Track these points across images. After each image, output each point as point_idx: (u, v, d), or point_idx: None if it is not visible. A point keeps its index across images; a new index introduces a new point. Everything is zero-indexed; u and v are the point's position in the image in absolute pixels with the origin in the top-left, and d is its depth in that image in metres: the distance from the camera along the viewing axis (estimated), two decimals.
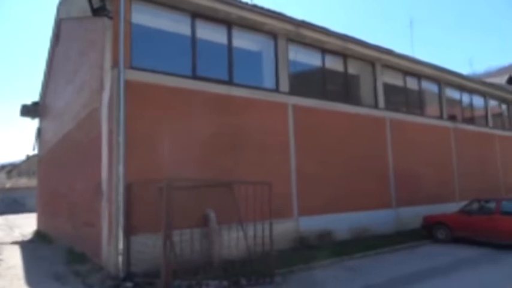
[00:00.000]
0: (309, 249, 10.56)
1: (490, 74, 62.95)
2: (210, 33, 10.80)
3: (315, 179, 11.90)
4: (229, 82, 10.59)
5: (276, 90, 11.66)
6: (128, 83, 8.61)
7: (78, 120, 11.88)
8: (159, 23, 10.02)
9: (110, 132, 8.63)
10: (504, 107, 23.59)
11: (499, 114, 23.21)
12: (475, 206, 12.49)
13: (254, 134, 10.73)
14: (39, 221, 20.09)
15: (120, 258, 8.00)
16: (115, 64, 8.60)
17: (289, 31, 11.88)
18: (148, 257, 7.86)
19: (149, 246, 7.86)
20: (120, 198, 8.14)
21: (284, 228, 10.75)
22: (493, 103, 22.38)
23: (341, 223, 12.31)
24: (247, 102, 10.75)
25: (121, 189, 8.16)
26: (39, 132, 20.93)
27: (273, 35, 11.85)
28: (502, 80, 30.97)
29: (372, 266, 9.34)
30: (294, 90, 12.00)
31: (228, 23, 10.84)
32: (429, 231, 12.88)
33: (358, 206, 13.00)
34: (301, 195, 11.49)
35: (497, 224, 11.23)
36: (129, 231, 8.15)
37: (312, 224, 11.56)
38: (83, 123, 11.32)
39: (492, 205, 11.84)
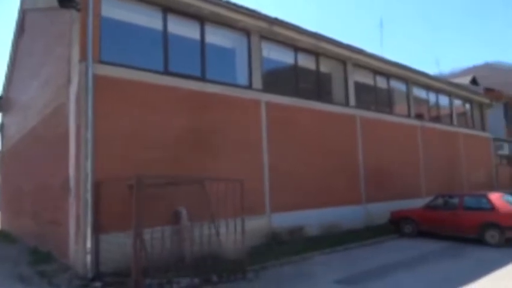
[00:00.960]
0: (281, 245, 10.67)
1: (455, 74, 65.48)
2: (183, 29, 10.67)
3: (287, 176, 12.01)
4: (202, 78, 10.50)
5: (249, 87, 11.67)
6: (96, 78, 8.37)
7: (44, 115, 11.45)
8: (129, 16, 9.78)
9: (78, 128, 8.37)
10: (468, 106, 24.63)
11: (463, 113, 24.23)
12: (440, 201, 13.01)
13: (227, 131, 10.70)
14: (2, 219, 19.25)
15: (89, 258, 7.79)
16: (83, 58, 8.33)
17: (263, 28, 11.90)
18: (118, 255, 7.70)
19: (119, 245, 7.69)
20: (88, 195, 7.92)
21: (256, 225, 10.80)
22: (457, 102, 23.32)
23: (312, 219, 12.51)
24: (220, 99, 10.69)
25: (89, 187, 7.94)
26: (2, 128, 20.04)
27: (246, 32, 11.84)
28: (467, 80, 32.32)
29: (341, 260, 9.56)
30: (267, 88, 12.05)
31: (201, 19, 10.73)
32: (396, 226, 13.31)
33: (329, 202, 13.24)
34: (274, 192, 11.58)
35: (460, 218, 11.75)
36: (97, 230, 7.95)
37: (284, 220, 11.68)
38: (49, 118, 10.92)
39: (455, 200, 12.37)
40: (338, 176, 13.78)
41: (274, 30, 12.13)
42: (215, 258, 8.11)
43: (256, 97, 11.66)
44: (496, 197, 11.58)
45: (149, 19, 10.04)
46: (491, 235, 11.02)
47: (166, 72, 9.76)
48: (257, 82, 11.83)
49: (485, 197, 11.73)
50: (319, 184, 12.99)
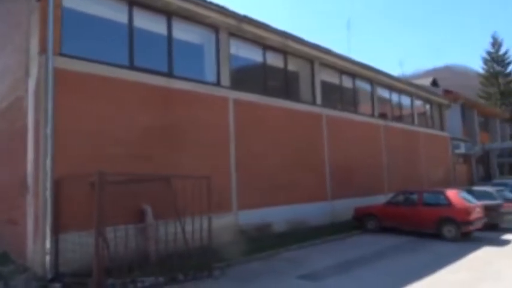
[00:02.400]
0: (248, 242, 10.70)
1: (417, 75, 67.99)
2: (149, 23, 10.43)
3: (255, 173, 12.06)
4: (169, 74, 10.33)
5: (218, 84, 11.60)
6: (57, 71, 8.02)
7: (0, 109, 10.88)
8: (93, 9, 9.43)
9: (37, 123, 8.00)
10: (428, 106, 25.71)
11: (424, 113, 25.28)
12: (401, 197, 13.51)
13: (194, 128, 10.59)
14: None
15: (48, 258, 7.49)
16: (43, 50, 7.97)
17: (231, 25, 11.85)
18: (79, 255, 7.46)
19: (81, 245, 7.46)
20: (48, 193, 7.61)
21: (224, 222, 10.78)
22: (418, 103, 24.30)
23: (279, 216, 12.63)
24: (187, 96, 10.56)
25: (49, 184, 7.62)
26: None
27: (215, 29, 11.75)
28: (427, 81, 33.67)
29: (307, 256, 9.72)
30: (235, 85, 12.02)
31: (168, 14, 10.54)
32: (360, 222, 13.71)
33: (296, 199, 13.42)
34: (241, 189, 11.59)
35: (419, 214, 12.26)
36: (57, 229, 7.65)
37: (252, 217, 11.72)
38: (5, 112, 10.38)
39: (415, 197, 12.89)
40: (305, 174, 14.00)
41: (243, 28, 12.11)
42: (181, 256, 8.02)
43: (224, 94, 11.61)
44: (452, 194, 12.16)
45: (114, 12, 9.75)
46: (448, 230, 11.58)
47: (132, 67, 9.52)
48: (225, 79, 11.79)
49: (443, 193, 12.30)
50: (287, 181, 13.13)
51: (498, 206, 13.10)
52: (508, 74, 51.76)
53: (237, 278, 7.78)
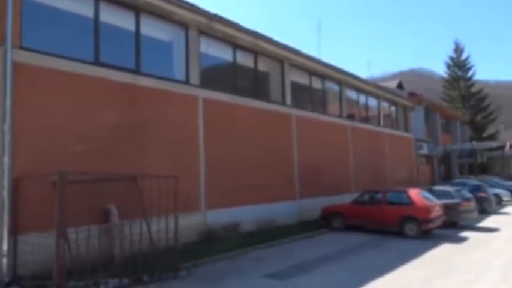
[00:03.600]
0: (216, 242, 10.68)
1: (384, 78, 70.07)
2: (116, 18, 10.20)
3: (224, 172, 12.04)
4: (136, 71, 10.12)
5: (187, 82, 11.48)
6: (16, 65, 7.67)
7: None
8: (58, 1, 9.09)
9: None
10: (393, 108, 26.56)
11: (389, 115, 26.11)
12: (366, 197, 13.88)
13: (162, 126, 10.44)
14: None
15: (5, 261, 7.17)
16: (1, 42, 7.60)
17: (201, 23, 11.76)
18: (39, 257, 7.18)
19: (41, 246, 7.18)
20: (5, 193, 7.27)
21: (191, 222, 10.70)
22: (384, 105, 25.06)
23: (248, 215, 12.68)
24: (155, 93, 10.39)
25: (6, 183, 7.29)
26: None
27: (185, 26, 11.62)
28: (394, 84, 34.80)
29: (274, 255, 9.81)
30: (205, 84, 11.94)
31: (136, 9, 10.32)
32: (327, 220, 13.97)
33: (265, 199, 13.52)
34: (210, 188, 11.53)
35: (383, 212, 12.64)
36: (16, 230, 7.34)
37: (220, 216, 11.70)
38: None
39: (379, 196, 13.28)
40: (274, 173, 14.11)
41: (213, 26, 12.05)
42: (147, 257, 7.88)
43: (194, 93, 11.51)
44: (414, 193, 12.63)
45: (80, 6, 9.45)
46: (410, 228, 12.01)
47: (97, 63, 9.25)
48: (195, 78, 11.68)
49: (405, 192, 12.75)
50: (256, 181, 13.19)
51: (456, 205, 13.73)
52: (469, 79, 54.28)
53: (204, 278, 7.74)
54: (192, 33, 11.77)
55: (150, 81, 10.29)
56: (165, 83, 10.75)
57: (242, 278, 7.67)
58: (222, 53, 13.41)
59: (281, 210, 14.21)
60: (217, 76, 13.46)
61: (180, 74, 11.53)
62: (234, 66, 13.55)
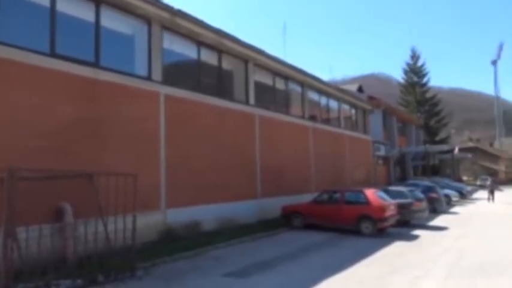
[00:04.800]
0: (176, 241, 10.54)
1: (346, 81, 72.06)
2: (75, 9, 9.79)
3: (185, 170, 11.90)
4: (96, 65, 9.77)
5: (149, 78, 11.23)
6: None
7: None
8: None
9: None
10: (353, 111, 27.40)
11: (349, 117, 26.91)
12: (325, 196, 14.23)
13: (122, 122, 10.15)
14: None
15: None
16: None
17: (165, 18, 11.55)
18: None
19: None
20: None
21: (151, 221, 10.50)
22: (345, 107, 25.79)
23: (209, 214, 12.62)
24: (115, 88, 10.08)
25: None
26: None
27: (147, 20, 11.36)
28: (354, 87, 35.86)
29: (234, 254, 9.83)
30: (167, 80, 11.74)
31: (96, 0, 9.96)
32: (287, 219, 14.18)
33: (226, 197, 13.50)
34: (171, 187, 11.36)
35: (341, 212, 13.02)
36: None
37: (180, 215, 11.55)
38: None
39: (338, 195, 13.66)
40: (235, 172, 14.13)
41: (177, 22, 11.87)
42: (102, 257, 7.64)
43: (155, 89, 11.29)
44: (370, 193, 13.10)
45: None
46: (366, 226, 12.46)
47: (53, 54, 8.84)
48: (157, 73, 11.45)
49: (362, 192, 13.20)
50: (217, 179, 13.15)
51: (409, 205, 14.41)
52: (424, 85, 57.10)
53: (162, 277, 7.62)
54: (155, 28, 11.54)
55: (110, 76, 9.98)
56: (126, 78, 10.46)
57: (201, 277, 7.62)
58: (186, 50, 13.24)
59: (242, 209, 14.26)
60: (180, 73, 13.27)
61: (142, 70, 11.25)
62: (198, 64, 13.42)
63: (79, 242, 7.76)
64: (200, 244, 10.32)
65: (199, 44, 13.29)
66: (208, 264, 8.66)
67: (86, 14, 9.93)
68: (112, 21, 10.63)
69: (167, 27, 11.94)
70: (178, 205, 11.58)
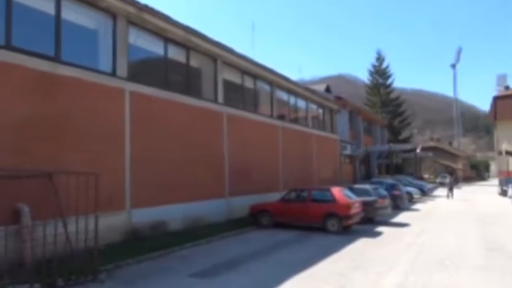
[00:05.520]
0: (141, 242, 10.30)
1: (314, 81, 73.12)
2: (34, 0, 9.32)
3: (152, 169, 11.65)
4: (56, 59, 9.34)
5: (113, 74, 10.89)
6: None
7: None
8: None
9: None
10: (321, 110, 27.84)
11: (317, 117, 27.32)
12: (292, 194, 14.36)
13: (85, 120, 9.78)
14: None
15: None
16: None
17: (130, 13, 11.23)
18: None
19: None
20: None
21: (115, 221, 10.22)
22: (313, 107, 26.16)
23: (176, 213, 12.42)
24: (77, 84, 9.69)
25: None
26: None
27: (112, 15, 11.00)
28: (322, 88, 36.45)
29: (201, 254, 9.73)
30: (133, 77, 11.43)
31: None
32: (255, 218, 14.20)
33: (193, 196, 13.35)
34: (136, 186, 11.08)
35: (308, 210, 13.18)
36: None
37: (146, 215, 11.30)
38: None
39: (305, 194, 13.82)
40: (203, 171, 13.99)
41: (143, 17, 11.58)
42: (62, 260, 7.32)
43: (120, 85, 10.96)
44: (336, 191, 13.34)
45: None
46: (332, 224, 12.68)
47: (9, 46, 8.37)
48: (122, 70, 11.12)
49: (328, 190, 13.42)
50: (185, 178, 12.97)
51: (373, 202, 14.80)
52: (389, 86, 58.92)
53: (125, 279, 7.40)
54: (121, 23, 11.20)
55: (72, 71, 9.58)
56: (89, 73, 10.08)
57: (167, 279, 7.48)
58: (153, 46, 12.94)
59: (210, 209, 14.15)
60: (147, 70, 12.97)
61: (106, 65, 10.89)
62: (165, 61, 13.15)
63: (37, 244, 7.40)
64: (166, 244, 10.14)
65: (167, 40, 13.03)
66: (175, 265, 8.52)
67: (46, 5, 9.48)
68: (74, 14, 10.21)
69: (133, 23, 11.62)
70: (144, 205, 11.32)
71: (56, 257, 7.19)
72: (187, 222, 12.90)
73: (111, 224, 10.03)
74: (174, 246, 10.12)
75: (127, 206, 10.85)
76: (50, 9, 9.47)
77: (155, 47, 12.94)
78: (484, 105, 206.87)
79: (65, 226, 7.76)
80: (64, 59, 9.49)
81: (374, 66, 59.44)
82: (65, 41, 9.62)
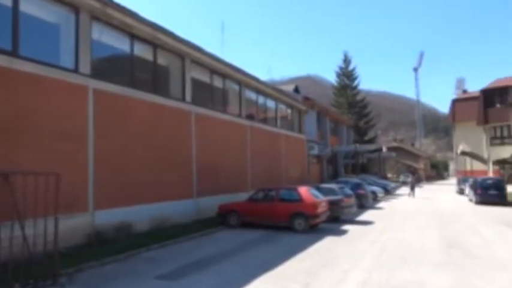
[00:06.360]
0: (105, 244, 10.01)
1: (283, 82, 73.78)
2: None
3: (117, 170, 11.34)
4: (13, 53, 8.89)
5: (75, 70, 10.49)
6: None
7: None
8: None
9: None
10: (289, 111, 28.12)
11: (286, 117, 27.58)
12: (260, 194, 14.40)
13: (44, 117, 9.37)
14: None
15: None
16: None
17: (95, 8, 10.87)
18: None
19: None
20: None
21: (77, 223, 9.87)
22: (281, 107, 26.37)
23: (142, 214, 12.16)
24: (36, 80, 9.26)
25: None
26: None
27: (75, 9, 10.60)
28: (291, 88, 36.80)
29: (168, 255, 9.56)
30: (97, 74, 11.06)
31: None
32: (224, 218, 14.13)
33: (161, 197, 13.11)
34: (99, 187, 10.73)
35: (275, 209, 13.27)
36: None
37: (111, 217, 10.99)
38: None
39: (273, 193, 13.90)
40: (171, 170, 13.77)
41: (107, 12, 11.24)
42: (19, 264, 6.96)
43: (83, 82, 10.58)
44: (303, 190, 13.50)
45: None
46: (299, 223, 12.83)
47: None
48: (85, 66, 10.74)
49: (295, 190, 13.56)
50: (152, 178, 12.71)
51: (339, 201, 15.11)
52: (355, 87, 60.39)
53: (87, 283, 7.15)
54: (84, 18, 10.81)
55: (31, 66, 9.15)
56: (49, 69, 9.66)
57: (131, 281, 7.29)
58: (118, 43, 12.59)
59: (178, 209, 13.95)
60: (112, 67, 12.60)
61: (68, 61, 10.47)
62: (131, 58, 12.82)
63: None
64: (132, 246, 9.90)
65: (133, 37, 12.72)
66: (140, 267, 8.32)
67: None
68: (34, 7, 9.77)
69: (97, 18, 11.25)
70: (108, 206, 11.00)
71: (13, 261, 6.84)
72: (154, 223, 12.65)
73: (73, 226, 9.68)
74: (140, 247, 9.89)
75: (90, 208, 10.49)
76: (7, 1, 9.00)
77: (121, 44, 12.60)
78: (444, 107, 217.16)
79: (23, 228, 7.37)
80: (22, 53, 9.06)
81: (341, 68, 60.77)
82: (24, 35, 9.18)
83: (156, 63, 13.96)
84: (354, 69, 60.52)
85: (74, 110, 10.24)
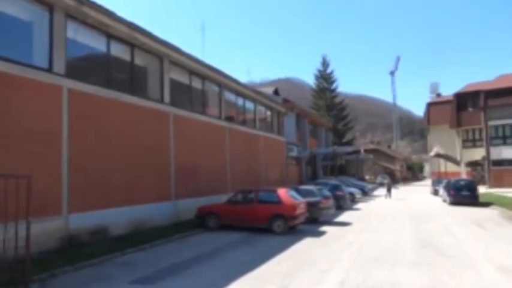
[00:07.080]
0: (79, 248, 9.76)
1: (263, 84, 74.00)
2: None
3: (92, 172, 11.08)
4: None
5: (49, 70, 10.20)
6: None
7: None
8: None
9: None
10: (269, 113, 28.22)
11: (265, 119, 27.67)
12: (239, 196, 14.36)
13: (15, 118, 9.05)
14: None
15: None
16: None
17: (69, 6, 10.60)
18: None
19: None
20: None
21: (50, 227, 9.58)
22: (261, 109, 26.45)
23: (119, 217, 11.92)
24: (7, 79, 8.95)
25: None
26: None
27: (49, 6, 10.31)
28: (270, 90, 36.95)
29: (145, 258, 9.40)
30: (71, 74, 10.78)
31: None
32: (203, 220, 14.02)
33: (138, 199, 12.90)
34: (74, 190, 10.45)
35: (255, 211, 13.27)
36: None
37: (85, 220, 10.72)
38: None
39: (252, 195, 13.89)
40: (148, 173, 13.57)
41: (83, 11, 10.99)
42: None
43: (57, 82, 10.29)
44: (282, 192, 13.56)
45: None
46: (278, 225, 12.87)
47: None
48: (60, 66, 10.45)
49: (274, 192, 13.60)
50: (129, 180, 12.49)
51: (318, 203, 15.26)
52: (333, 90, 61.23)
53: None
54: (58, 16, 10.52)
55: (1, 65, 8.83)
56: (21, 68, 9.34)
57: (106, 286, 7.12)
58: (94, 42, 12.31)
59: (156, 212, 13.75)
60: (87, 67, 12.30)
61: (41, 61, 10.16)
62: (107, 58, 12.57)
63: None
64: (107, 250, 9.68)
65: (109, 36, 12.48)
66: (116, 272, 8.14)
67: None
68: (5, 4, 9.46)
69: (72, 16, 10.98)
70: (83, 209, 10.73)
71: None
72: (131, 226, 12.43)
73: (46, 230, 9.39)
74: (116, 251, 9.69)
75: (64, 211, 10.21)
76: None
77: (97, 44, 12.34)
78: (419, 111, 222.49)
79: None
80: None
81: (319, 71, 61.48)
82: None
83: (134, 64, 13.75)
84: (332, 72, 61.39)
85: (47, 111, 9.95)
